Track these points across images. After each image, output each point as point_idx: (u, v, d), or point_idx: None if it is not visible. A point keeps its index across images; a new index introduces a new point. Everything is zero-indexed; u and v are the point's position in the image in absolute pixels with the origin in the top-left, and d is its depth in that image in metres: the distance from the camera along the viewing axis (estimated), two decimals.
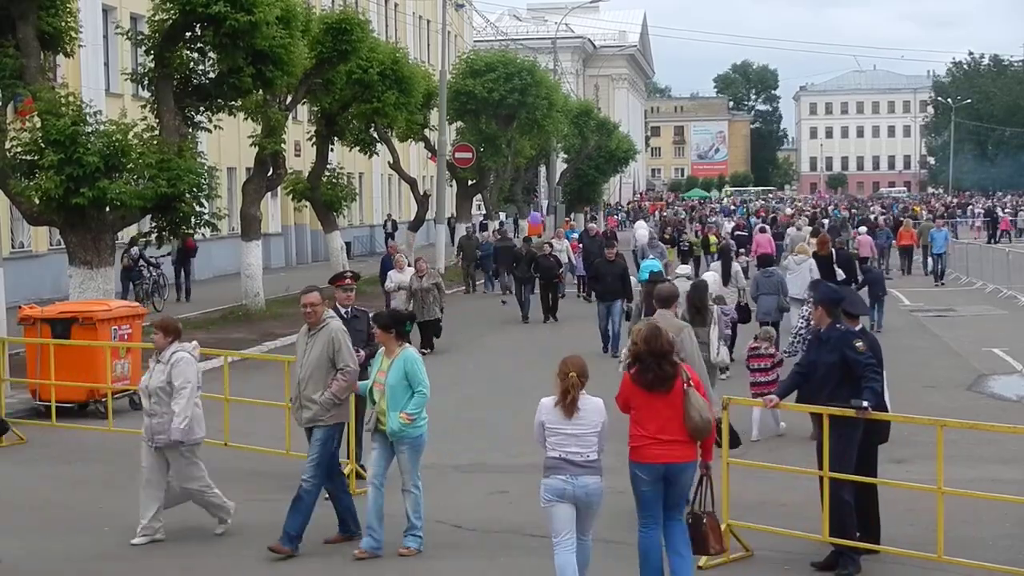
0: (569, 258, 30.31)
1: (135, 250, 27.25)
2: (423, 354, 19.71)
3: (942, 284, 33.73)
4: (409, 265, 22.23)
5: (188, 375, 9.71)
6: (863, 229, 34.31)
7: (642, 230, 30.50)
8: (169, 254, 28.92)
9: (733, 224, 42.52)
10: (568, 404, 7.80)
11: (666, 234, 35.33)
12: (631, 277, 20.41)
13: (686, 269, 18.74)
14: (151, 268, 28.34)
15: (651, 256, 25.05)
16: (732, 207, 79.62)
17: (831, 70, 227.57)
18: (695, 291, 12.82)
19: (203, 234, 29.17)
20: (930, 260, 35.08)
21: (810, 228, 31.86)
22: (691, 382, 8.03)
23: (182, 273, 30.82)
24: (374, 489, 9.32)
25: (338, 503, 9.80)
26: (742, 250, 26.69)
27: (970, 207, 70.47)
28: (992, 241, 51.09)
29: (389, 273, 22.57)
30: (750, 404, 11.62)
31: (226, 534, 10.01)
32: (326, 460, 9.60)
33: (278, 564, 9.26)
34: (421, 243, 43.97)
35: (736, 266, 19.32)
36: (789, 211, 54.18)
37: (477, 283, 34.42)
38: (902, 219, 45.37)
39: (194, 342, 10.30)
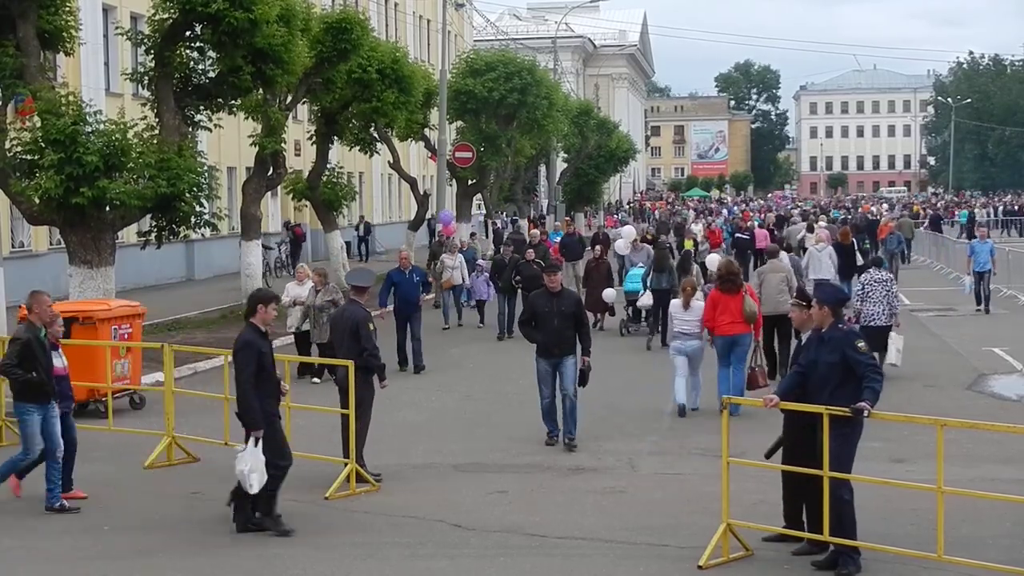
0: (463, 277, 25.58)
1: None
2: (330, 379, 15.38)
3: (987, 311, 26.45)
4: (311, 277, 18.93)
5: None
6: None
7: (621, 239, 29.49)
8: (282, 242, 38.04)
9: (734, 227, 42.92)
10: (686, 302, 15.33)
11: (648, 235, 34.29)
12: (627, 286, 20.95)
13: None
14: (278, 245, 34.95)
15: (638, 264, 24.71)
16: (733, 207, 79.70)
17: (837, 68, 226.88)
18: (682, 259, 23.39)
19: (202, 234, 29.26)
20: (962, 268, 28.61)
21: (805, 224, 35.78)
22: (748, 292, 15.24)
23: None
24: None
25: None
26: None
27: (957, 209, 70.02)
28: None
29: (287, 286, 19.86)
30: (750, 403, 11.58)
31: (222, 534, 9.98)
32: None
33: (276, 561, 9.24)
34: (422, 243, 43.95)
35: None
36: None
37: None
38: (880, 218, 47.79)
39: None
